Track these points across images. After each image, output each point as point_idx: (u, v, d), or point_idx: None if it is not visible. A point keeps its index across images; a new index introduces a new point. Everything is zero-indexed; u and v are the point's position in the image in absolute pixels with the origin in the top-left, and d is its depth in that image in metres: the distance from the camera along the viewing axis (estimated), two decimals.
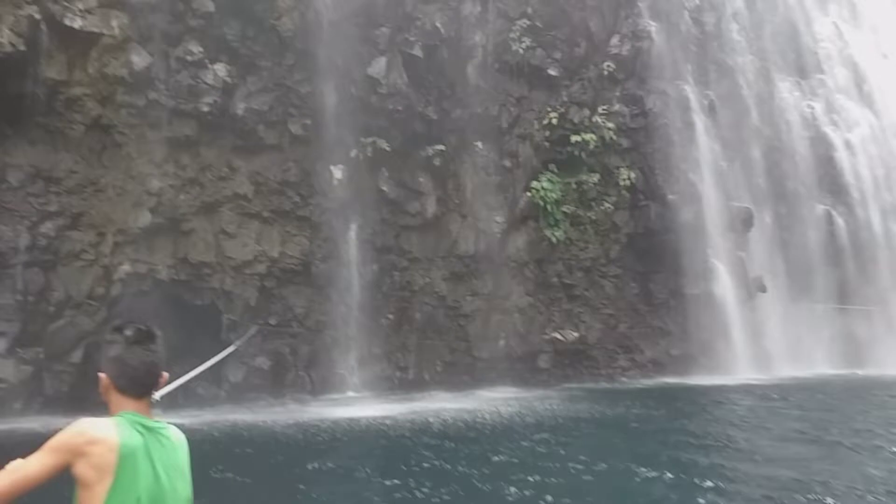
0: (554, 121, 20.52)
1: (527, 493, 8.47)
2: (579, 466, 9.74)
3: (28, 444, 2.69)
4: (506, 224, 19.69)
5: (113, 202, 15.24)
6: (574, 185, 20.71)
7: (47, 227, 14.38)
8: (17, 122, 14.54)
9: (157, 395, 2.74)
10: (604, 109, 21.19)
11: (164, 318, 15.72)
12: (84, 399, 12.49)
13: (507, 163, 20.01)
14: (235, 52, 16.84)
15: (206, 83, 16.42)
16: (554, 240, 20.05)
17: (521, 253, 19.87)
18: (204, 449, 10.02)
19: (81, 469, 2.47)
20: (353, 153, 18.10)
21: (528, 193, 20.02)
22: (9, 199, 14.08)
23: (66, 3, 15.09)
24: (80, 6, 15.26)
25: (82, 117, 15.22)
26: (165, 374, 2.74)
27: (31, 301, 13.95)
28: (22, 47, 14.31)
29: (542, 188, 20.17)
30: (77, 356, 14.38)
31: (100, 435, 2.49)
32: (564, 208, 20.39)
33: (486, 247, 19.30)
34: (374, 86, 18.01)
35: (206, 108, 16.34)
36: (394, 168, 18.61)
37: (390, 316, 18.48)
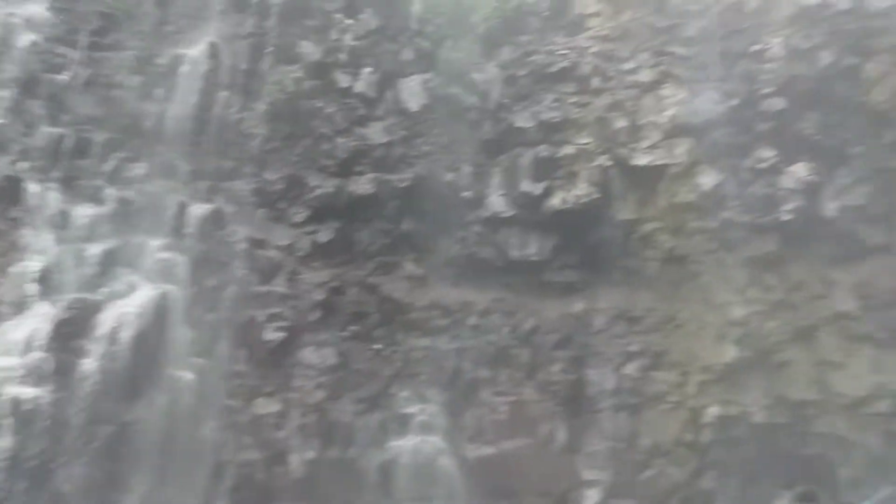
0: None
1: None
2: None
3: None
4: None
5: (694, 337, 14.15)
6: None
7: (631, 369, 14.19)
8: (598, 267, 15.21)
9: None
10: None
11: (764, 471, 13.44)
12: None
13: None
14: (816, 146, 14.28)
15: (784, 189, 14.28)
16: None
17: None
18: None
19: None
20: None
21: None
22: (595, 342, 14.52)
23: (632, 146, 15.49)
24: (646, 144, 15.46)
25: (656, 252, 14.98)
26: None
27: (621, 448, 13.70)
28: (596, 195, 15.13)
29: None
30: None
31: None
32: None
33: None
34: None
35: (787, 218, 14.10)
36: None
37: None
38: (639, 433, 13.85)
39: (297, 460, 12.54)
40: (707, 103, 15.19)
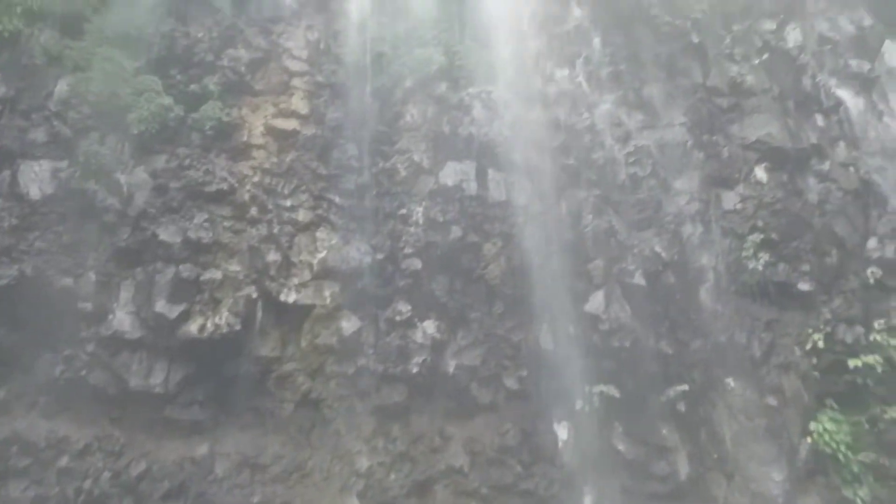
0: (820, 344, 16.63)
1: None
2: None
3: None
4: (787, 483, 15.19)
5: (319, 488, 13.62)
6: (866, 425, 15.96)
7: None
8: (229, 406, 14.02)
9: None
10: (882, 324, 16.95)
11: None
12: None
13: (772, 401, 16.05)
14: (444, 307, 15.81)
15: (415, 342, 15.32)
16: (859, 502, 15.00)
17: None
18: None
19: None
20: (578, 405, 15.50)
21: (809, 439, 15.63)
22: (214, 492, 12.98)
23: (282, 281, 15.21)
24: (296, 281, 15.33)
25: (292, 394, 14.49)
26: None
27: None
28: (238, 327, 14.23)
29: (826, 430, 15.72)
30: None
31: None
32: (862, 457, 15.52)
33: None
34: (594, 323, 15.82)
35: (416, 370, 15.02)
36: (629, 419, 15.54)
37: None
38: None
39: None
40: (356, 252, 15.92)
